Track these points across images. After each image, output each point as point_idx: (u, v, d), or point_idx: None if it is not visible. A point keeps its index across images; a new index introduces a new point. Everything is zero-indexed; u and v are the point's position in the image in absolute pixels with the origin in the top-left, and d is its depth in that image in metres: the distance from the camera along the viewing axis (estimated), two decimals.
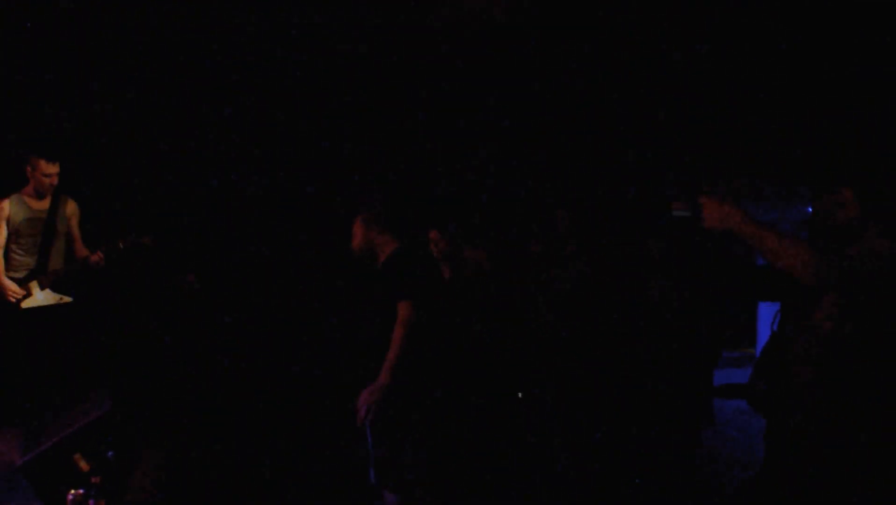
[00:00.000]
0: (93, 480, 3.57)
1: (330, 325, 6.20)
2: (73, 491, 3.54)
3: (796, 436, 2.64)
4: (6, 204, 4.87)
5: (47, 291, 4.87)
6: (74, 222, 5.10)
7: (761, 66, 5.79)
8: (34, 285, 4.85)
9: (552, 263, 5.19)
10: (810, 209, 2.87)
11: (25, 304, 4.81)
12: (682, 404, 5.01)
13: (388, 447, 3.72)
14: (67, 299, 4.93)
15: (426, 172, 6.66)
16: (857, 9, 5.03)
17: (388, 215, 3.90)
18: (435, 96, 6.31)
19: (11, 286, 4.82)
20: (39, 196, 4.93)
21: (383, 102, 6.36)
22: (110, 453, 3.81)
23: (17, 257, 4.89)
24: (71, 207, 5.09)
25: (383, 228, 3.84)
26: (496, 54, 5.88)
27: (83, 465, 3.69)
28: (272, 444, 5.41)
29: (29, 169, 4.87)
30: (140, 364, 5.66)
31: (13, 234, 4.87)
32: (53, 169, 4.87)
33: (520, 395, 5.55)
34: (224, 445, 5.27)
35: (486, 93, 6.34)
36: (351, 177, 6.57)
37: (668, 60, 5.92)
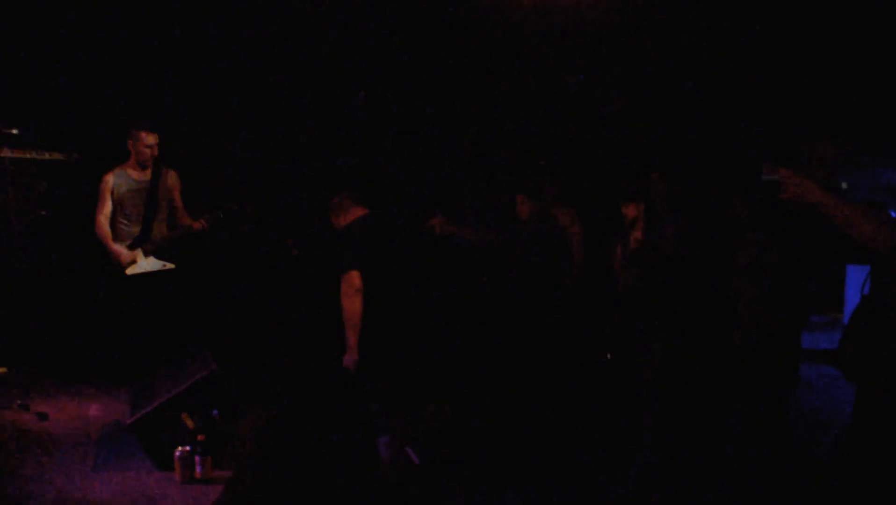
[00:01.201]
0: (198, 437, 3.71)
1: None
2: (179, 448, 3.70)
3: (886, 400, 2.62)
4: (110, 177, 5.10)
5: (151, 258, 5.07)
6: (177, 192, 5.28)
7: (851, 31, 5.57)
8: (139, 253, 5.06)
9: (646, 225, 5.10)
10: None
11: (130, 270, 5.02)
12: (769, 366, 4.90)
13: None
14: (170, 266, 5.11)
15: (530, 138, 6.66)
16: None
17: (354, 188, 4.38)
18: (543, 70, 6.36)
19: (123, 250, 5.05)
20: (142, 167, 5.11)
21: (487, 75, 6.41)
22: (215, 412, 3.96)
23: (123, 227, 5.12)
24: (172, 178, 5.26)
25: (354, 201, 4.32)
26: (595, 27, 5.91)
27: (189, 423, 3.85)
28: (369, 407, 5.50)
29: (130, 141, 5.07)
30: (242, 327, 5.83)
31: (118, 206, 5.10)
32: (153, 139, 5.06)
33: (608, 355, 5.49)
34: (322, 408, 5.38)
35: (588, 64, 6.34)
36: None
37: (761, 24, 5.74)
